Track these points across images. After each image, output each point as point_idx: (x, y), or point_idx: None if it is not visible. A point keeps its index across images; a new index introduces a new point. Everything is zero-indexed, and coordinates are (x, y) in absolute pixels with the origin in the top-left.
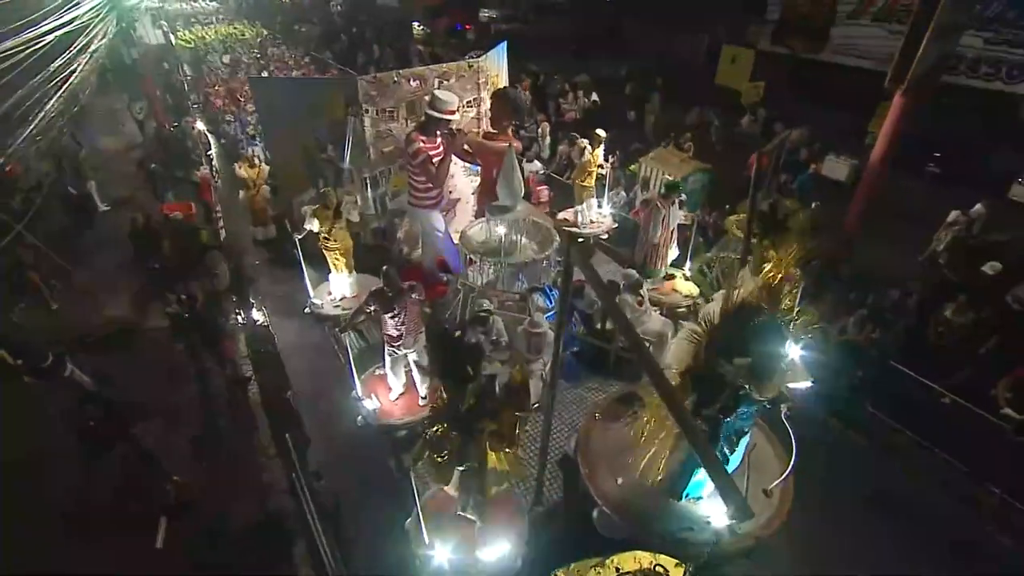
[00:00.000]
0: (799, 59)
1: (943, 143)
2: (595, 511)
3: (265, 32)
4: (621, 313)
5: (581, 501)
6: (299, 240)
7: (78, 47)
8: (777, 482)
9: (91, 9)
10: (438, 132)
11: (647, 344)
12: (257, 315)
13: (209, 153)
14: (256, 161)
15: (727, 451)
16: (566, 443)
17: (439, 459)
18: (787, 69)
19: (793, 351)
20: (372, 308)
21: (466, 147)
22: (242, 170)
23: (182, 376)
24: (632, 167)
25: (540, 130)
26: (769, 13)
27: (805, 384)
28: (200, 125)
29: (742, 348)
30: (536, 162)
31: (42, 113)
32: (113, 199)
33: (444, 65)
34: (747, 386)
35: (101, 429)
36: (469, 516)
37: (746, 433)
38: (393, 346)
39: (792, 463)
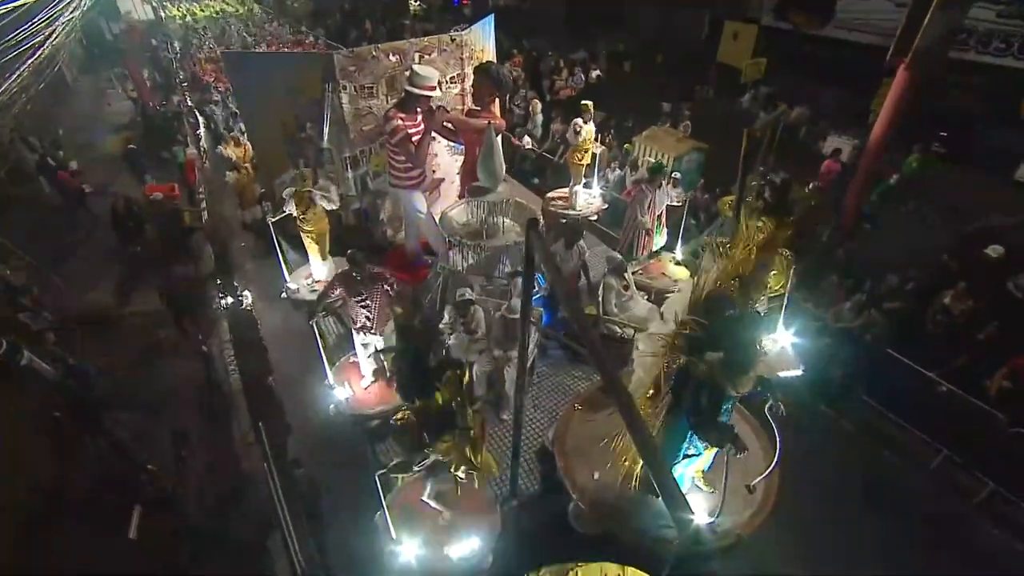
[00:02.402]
0: (803, 35)
1: (949, 121)
2: (571, 506)
3: (257, 7)
4: (579, 309)
5: (557, 495)
6: (274, 223)
7: (46, 18)
8: (760, 478)
9: None
10: (418, 109)
11: (632, 330)
12: (242, 298)
13: (197, 132)
14: (242, 140)
15: (693, 450)
16: (544, 434)
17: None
18: (790, 46)
19: (784, 338)
20: (338, 292)
21: (447, 124)
22: (228, 150)
23: (163, 363)
24: (627, 145)
25: (531, 107)
26: None
27: (795, 372)
28: (190, 103)
29: (713, 342)
30: (527, 138)
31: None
32: (96, 182)
33: (425, 39)
34: (726, 386)
35: (68, 421)
36: (435, 505)
37: None
38: (360, 332)
39: (776, 458)
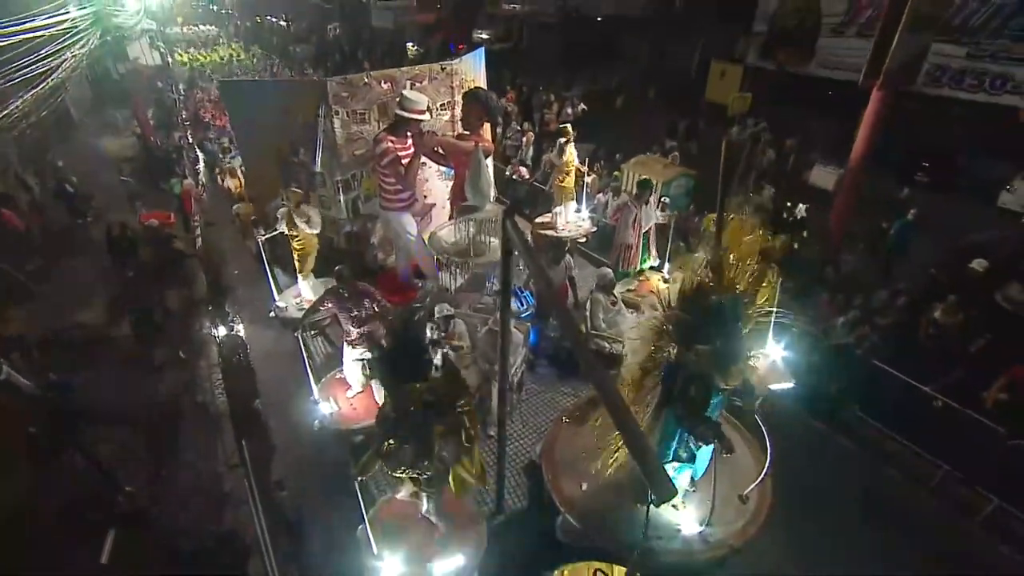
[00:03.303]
0: (787, 73)
1: (931, 153)
2: (559, 518)
3: (261, 51)
4: (564, 308)
5: (545, 509)
6: (264, 242)
7: (52, 52)
8: (753, 485)
9: (73, 19)
10: (408, 133)
11: (620, 345)
12: (233, 323)
13: (197, 167)
14: (238, 172)
15: (683, 454)
16: (532, 450)
17: (397, 474)
18: (775, 83)
19: (775, 352)
20: (327, 306)
21: (436, 148)
22: (228, 180)
23: (149, 385)
24: (617, 172)
25: (525, 139)
26: (756, 26)
27: (786, 385)
28: (190, 140)
29: (702, 334)
30: (523, 168)
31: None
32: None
33: (416, 68)
34: (713, 374)
35: (45, 436)
36: (432, 519)
37: None
38: (349, 344)
39: (768, 464)
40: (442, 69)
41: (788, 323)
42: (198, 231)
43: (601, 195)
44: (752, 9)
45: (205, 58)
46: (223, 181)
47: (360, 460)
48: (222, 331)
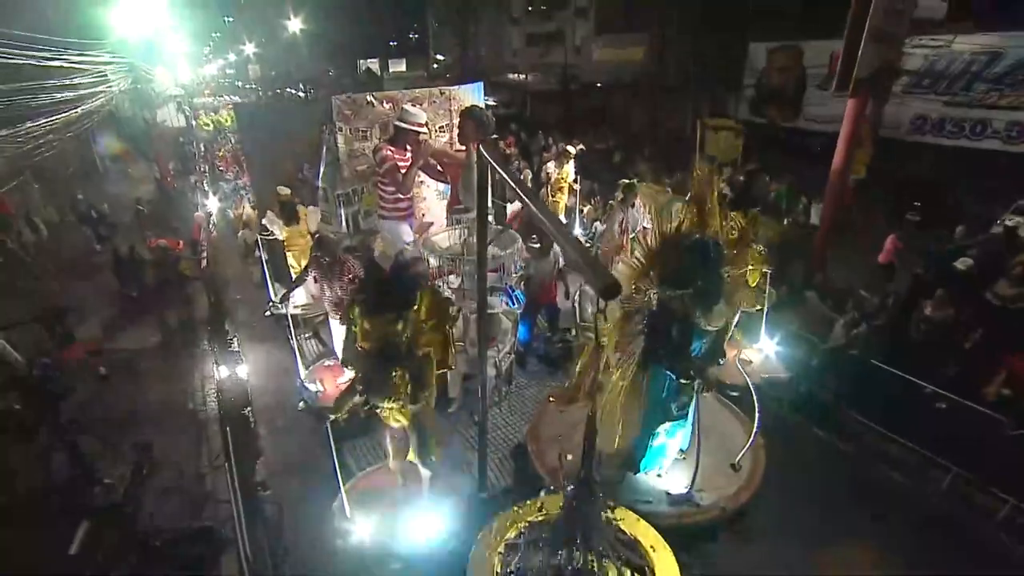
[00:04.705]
0: (777, 127)
1: (919, 195)
2: (542, 492)
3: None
4: (551, 214)
5: (529, 486)
6: (262, 243)
7: (82, 82)
8: (743, 451)
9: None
10: (407, 146)
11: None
12: (230, 340)
13: (209, 211)
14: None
15: (675, 408)
16: (519, 435)
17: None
18: (767, 136)
19: (768, 346)
20: (312, 274)
21: (432, 160)
22: (244, 212)
23: (143, 390)
24: (612, 202)
25: (522, 177)
26: (746, 83)
27: (781, 376)
28: (205, 186)
29: (682, 277)
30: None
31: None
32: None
33: (416, 91)
34: (696, 317)
35: (24, 413)
36: (424, 470)
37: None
38: (335, 315)
39: (756, 429)
40: (441, 93)
41: (783, 327)
42: (203, 254)
43: (599, 223)
44: (741, 68)
45: (225, 121)
46: (239, 213)
47: (336, 401)
48: (220, 346)
